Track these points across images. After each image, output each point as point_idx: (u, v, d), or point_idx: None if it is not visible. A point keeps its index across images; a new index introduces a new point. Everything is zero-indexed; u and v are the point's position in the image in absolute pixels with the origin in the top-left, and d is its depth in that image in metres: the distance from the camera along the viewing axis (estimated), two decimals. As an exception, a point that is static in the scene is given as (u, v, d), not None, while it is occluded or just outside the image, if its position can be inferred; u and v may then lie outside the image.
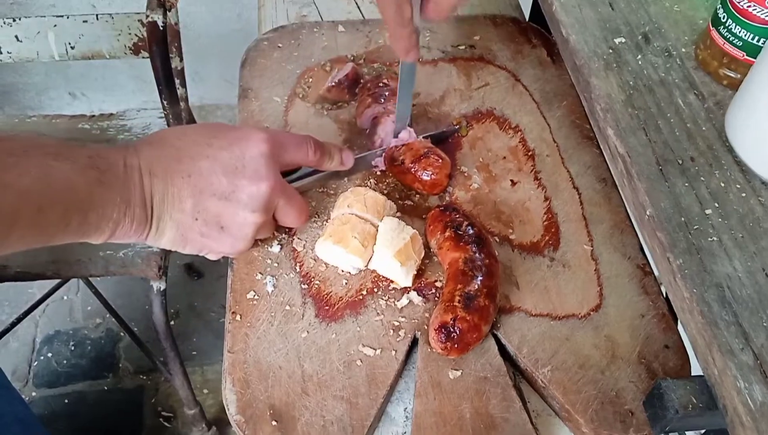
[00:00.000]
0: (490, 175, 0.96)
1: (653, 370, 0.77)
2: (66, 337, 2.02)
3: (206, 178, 0.73)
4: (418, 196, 0.93)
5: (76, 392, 1.91)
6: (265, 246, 0.86)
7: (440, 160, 0.90)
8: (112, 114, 1.56)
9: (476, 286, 0.76)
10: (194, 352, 2.00)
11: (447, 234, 0.81)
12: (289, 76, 1.08)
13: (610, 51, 0.83)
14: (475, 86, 1.07)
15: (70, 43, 1.37)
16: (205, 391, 1.93)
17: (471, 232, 0.81)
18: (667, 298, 0.84)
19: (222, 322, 2.04)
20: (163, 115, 1.48)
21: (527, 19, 1.28)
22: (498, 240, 0.88)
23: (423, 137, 0.95)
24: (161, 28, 1.18)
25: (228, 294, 0.83)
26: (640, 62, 0.82)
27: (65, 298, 2.09)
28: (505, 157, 0.98)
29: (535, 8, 1.29)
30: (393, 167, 0.93)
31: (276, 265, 0.85)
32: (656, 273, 0.81)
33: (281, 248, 0.86)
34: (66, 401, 1.89)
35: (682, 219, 0.66)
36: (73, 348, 1.99)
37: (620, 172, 0.73)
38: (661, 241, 0.65)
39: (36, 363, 1.96)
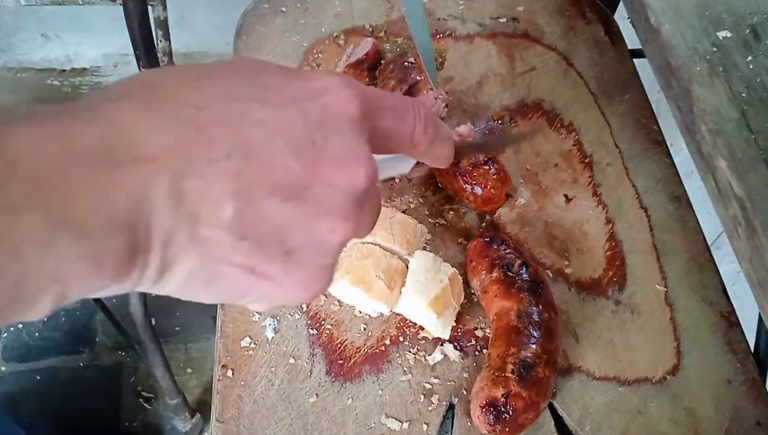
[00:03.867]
0: (539, 188, 0.78)
1: (744, 456, 0.63)
2: (38, 308, 1.86)
3: (263, 159, 0.36)
4: (452, 213, 0.76)
5: (49, 368, 1.77)
6: (265, 275, 0.69)
7: (501, 174, 0.73)
8: (84, 69, 1.37)
9: (533, 350, 0.60)
10: (177, 328, 1.84)
11: (495, 275, 0.65)
12: (295, 49, 0.88)
13: (714, 49, 0.65)
14: (520, 71, 0.89)
15: (39, -14, 1.17)
16: (189, 370, 1.79)
17: (525, 275, 0.64)
18: (755, 355, 0.69)
19: (208, 295, 1.89)
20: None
21: (576, -16, 1.08)
22: (551, 274, 0.72)
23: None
24: (139, -19, 0.97)
25: (217, 339, 0.66)
26: (751, 66, 0.64)
27: (37, 263, 1.92)
28: (557, 165, 0.80)
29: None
30: None
31: (278, 301, 0.68)
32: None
33: (284, 279, 0.69)
34: (38, 377, 1.75)
35: (825, 296, 0.50)
36: (45, 320, 1.84)
37: (733, 218, 0.56)
38: (798, 326, 0.49)
39: (5, 335, 1.81)
